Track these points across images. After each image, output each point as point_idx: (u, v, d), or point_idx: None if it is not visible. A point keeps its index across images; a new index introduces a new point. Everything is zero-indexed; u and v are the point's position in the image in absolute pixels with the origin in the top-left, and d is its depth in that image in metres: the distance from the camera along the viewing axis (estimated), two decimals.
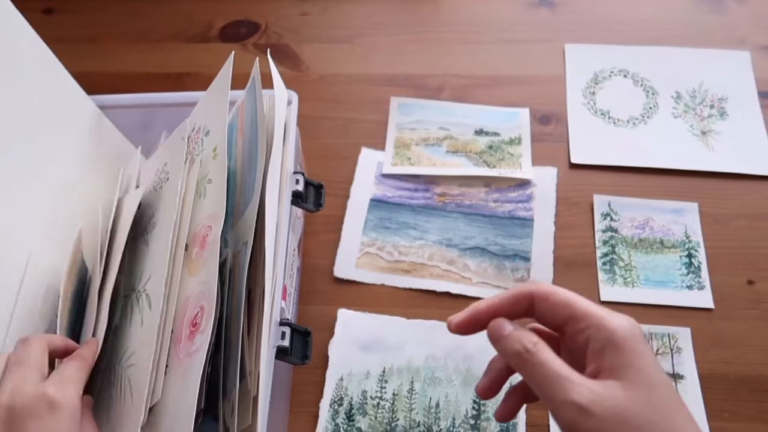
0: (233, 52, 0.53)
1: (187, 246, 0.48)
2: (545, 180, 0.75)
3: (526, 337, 0.36)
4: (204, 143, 0.52)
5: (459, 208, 0.74)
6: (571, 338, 0.37)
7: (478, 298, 0.65)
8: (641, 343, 0.34)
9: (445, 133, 0.79)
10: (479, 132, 0.79)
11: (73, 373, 0.41)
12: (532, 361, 0.35)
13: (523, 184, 0.75)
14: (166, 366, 0.44)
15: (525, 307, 0.39)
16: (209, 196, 0.49)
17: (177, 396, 0.42)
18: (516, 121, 0.80)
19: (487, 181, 0.75)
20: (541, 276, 0.69)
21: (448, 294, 0.68)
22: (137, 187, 0.57)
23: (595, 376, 0.34)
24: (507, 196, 0.74)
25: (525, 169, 0.76)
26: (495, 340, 0.38)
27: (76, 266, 0.52)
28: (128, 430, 0.43)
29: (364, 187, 0.76)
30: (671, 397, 0.34)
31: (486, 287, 0.68)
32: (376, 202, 0.74)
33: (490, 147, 0.78)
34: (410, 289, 0.69)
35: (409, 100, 0.82)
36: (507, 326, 0.38)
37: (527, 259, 0.70)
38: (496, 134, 0.79)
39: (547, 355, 0.35)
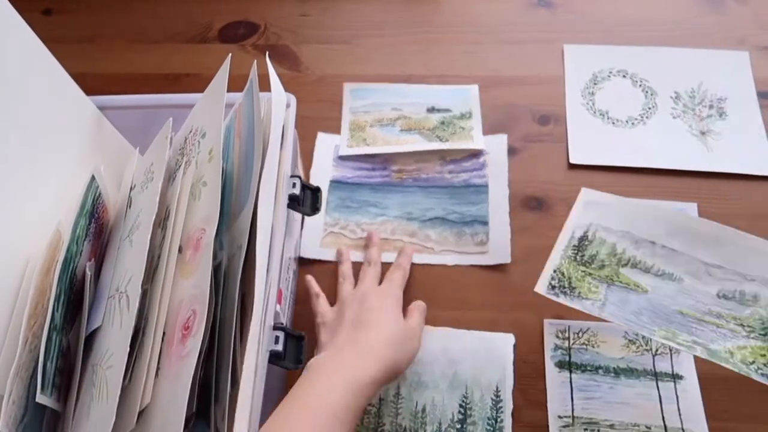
0: (230, 54, 0.53)
1: (180, 248, 0.48)
2: (496, 147, 0.77)
3: None
4: (200, 145, 0.52)
5: (416, 182, 0.76)
6: None
7: (442, 266, 0.69)
8: None
9: (398, 113, 0.81)
10: (431, 110, 0.81)
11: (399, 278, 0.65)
12: None
13: (476, 154, 0.77)
14: (158, 369, 0.44)
15: None
16: (204, 199, 0.49)
17: (167, 400, 0.42)
18: (466, 97, 0.82)
19: (441, 155, 0.77)
20: (499, 237, 0.71)
21: (411, 264, 0.69)
22: (132, 187, 0.57)
23: None
24: (461, 166, 0.76)
25: (476, 141, 0.78)
26: None
27: (55, 264, 0.51)
28: None
29: (322, 171, 0.77)
30: None
31: (449, 254, 0.71)
32: (336, 184, 0.76)
33: (442, 123, 0.80)
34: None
35: (361, 85, 0.84)
36: None
37: (485, 223, 0.72)
38: (448, 110, 0.81)
39: None
